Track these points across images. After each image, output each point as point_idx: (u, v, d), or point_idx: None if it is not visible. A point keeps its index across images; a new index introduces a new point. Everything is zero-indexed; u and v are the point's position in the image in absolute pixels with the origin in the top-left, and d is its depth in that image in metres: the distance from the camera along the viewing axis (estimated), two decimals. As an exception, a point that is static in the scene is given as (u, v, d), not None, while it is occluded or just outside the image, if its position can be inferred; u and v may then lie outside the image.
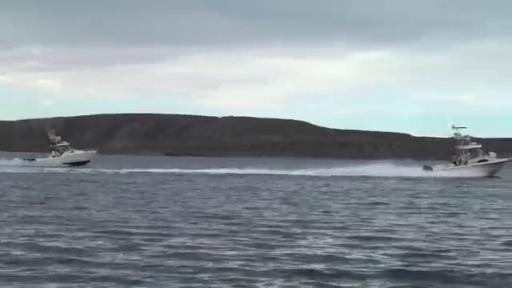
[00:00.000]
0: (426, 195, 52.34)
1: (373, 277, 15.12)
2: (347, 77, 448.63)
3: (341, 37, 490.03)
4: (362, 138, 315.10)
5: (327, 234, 23.23)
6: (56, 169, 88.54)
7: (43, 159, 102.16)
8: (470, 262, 17.34)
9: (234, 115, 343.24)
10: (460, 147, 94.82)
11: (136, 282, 13.82)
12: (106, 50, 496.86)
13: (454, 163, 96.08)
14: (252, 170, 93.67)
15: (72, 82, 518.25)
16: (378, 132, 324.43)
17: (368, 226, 27.10)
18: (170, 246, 19.21)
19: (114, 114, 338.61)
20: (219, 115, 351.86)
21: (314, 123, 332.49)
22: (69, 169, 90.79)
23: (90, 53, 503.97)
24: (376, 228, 25.92)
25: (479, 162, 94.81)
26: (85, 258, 16.74)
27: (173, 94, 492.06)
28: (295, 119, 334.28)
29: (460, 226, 27.16)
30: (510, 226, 27.92)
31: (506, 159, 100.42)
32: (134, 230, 23.12)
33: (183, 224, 26.02)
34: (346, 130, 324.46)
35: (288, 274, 15.28)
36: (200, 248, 19.49)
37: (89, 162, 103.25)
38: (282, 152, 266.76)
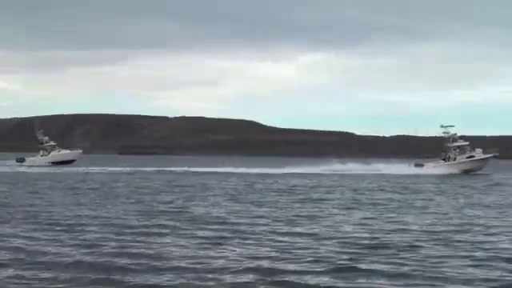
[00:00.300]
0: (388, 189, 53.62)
1: (318, 273, 14.82)
2: (295, 78, 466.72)
3: (289, 40, 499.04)
4: (308, 137, 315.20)
5: (275, 232, 22.47)
6: (42, 168, 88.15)
7: (32, 159, 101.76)
8: (408, 256, 17.14)
9: (186, 115, 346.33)
10: (449, 144, 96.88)
11: (85, 282, 13.36)
12: (59, 52, 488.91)
13: (444, 160, 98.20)
14: (207, 169, 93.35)
15: (27, 84, 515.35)
16: (322, 131, 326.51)
17: (314, 221, 26.72)
18: (120, 246, 18.34)
19: (69, 115, 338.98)
20: (171, 115, 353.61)
21: (262, 123, 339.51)
22: (54, 168, 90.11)
23: (43, 56, 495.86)
24: (322, 224, 25.39)
25: (467, 158, 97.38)
26: (28, 258, 16.16)
27: (126, 96, 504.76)
28: (244, 119, 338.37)
29: (400, 222, 26.83)
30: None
31: (491, 155, 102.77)
32: (84, 228, 22.55)
33: (134, 221, 25.19)
34: (293, 129, 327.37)
35: (235, 271, 15.06)
36: (152, 244, 18.96)
37: (75, 160, 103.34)
38: (231, 151, 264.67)
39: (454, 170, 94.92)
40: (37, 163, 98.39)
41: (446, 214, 31.59)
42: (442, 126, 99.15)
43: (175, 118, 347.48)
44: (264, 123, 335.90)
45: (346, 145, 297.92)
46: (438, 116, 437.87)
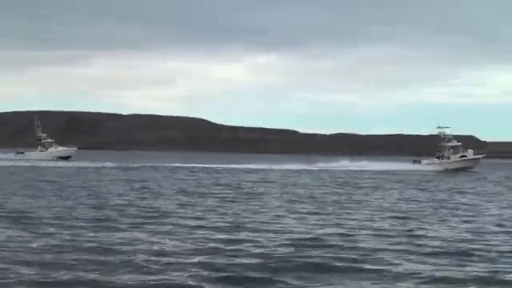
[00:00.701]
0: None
1: (250, 267, 14.25)
2: (242, 79, 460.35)
3: (238, 43, 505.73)
4: (255, 134, 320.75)
5: (217, 227, 21.69)
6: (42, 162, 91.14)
7: (31, 153, 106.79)
8: (347, 252, 16.81)
9: (141, 113, 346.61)
10: (444, 144, 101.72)
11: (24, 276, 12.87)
12: (17, 52, 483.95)
13: (438, 158, 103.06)
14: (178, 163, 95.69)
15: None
16: (268, 129, 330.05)
17: (255, 215, 26.23)
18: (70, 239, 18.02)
19: (28, 112, 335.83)
20: (126, 112, 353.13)
21: (211, 120, 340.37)
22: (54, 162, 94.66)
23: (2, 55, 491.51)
24: (262, 219, 24.68)
25: (460, 157, 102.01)
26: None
27: (84, 94, 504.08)
28: (194, 116, 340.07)
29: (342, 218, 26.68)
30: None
31: (481, 156, 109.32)
32: (29, 221, 22.27)
33: (80, 214, 24.67)
34: (241, 127, 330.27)
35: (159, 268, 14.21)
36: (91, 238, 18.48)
37: (71, 157, 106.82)
38: (183, 147, 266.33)
39: (448, 168, 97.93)
40: (35, 157, 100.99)
41: (381, 207, 31.59)
42: (438, 127, 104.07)
43: (130, 115, 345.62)
44: (213, 121, 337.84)
45: (289, 142, 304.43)
46: (374, 115, 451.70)
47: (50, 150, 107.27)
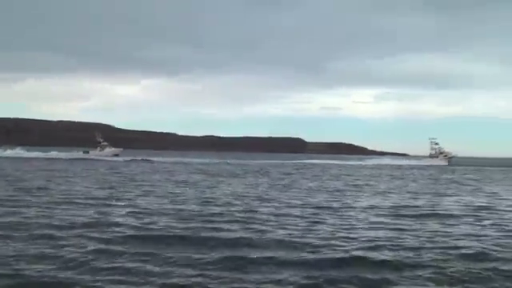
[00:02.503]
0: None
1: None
2: (138, 95, 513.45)
3: (135, 69, 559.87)
4: (143, 135, 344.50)
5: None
6: (103, 158, 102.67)
7: (94, 151, 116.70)
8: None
9: (64, 119, 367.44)
10: (434, 146, 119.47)
11: None
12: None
13: (430, 156, 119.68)
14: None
15: None
16: (155, 132, 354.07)
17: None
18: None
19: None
20: (55, 119, 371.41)
21: (116, 126, 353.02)
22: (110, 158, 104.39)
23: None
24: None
25: (445, 156, 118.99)
26: None
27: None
28: (103, 122, 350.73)
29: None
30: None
31: (453, 155, 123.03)
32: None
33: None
34: (135, 130, 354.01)
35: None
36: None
37: (119, 154, 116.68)
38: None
39: (435, 163, 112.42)
40: (96, 155, 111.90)
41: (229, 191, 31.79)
42: (430, 138, 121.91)
43: (57, 121, 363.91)
44: (117, 126, 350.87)
45: (170, 141, 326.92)
46: (229, 122, 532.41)
47: (106, 150, 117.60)
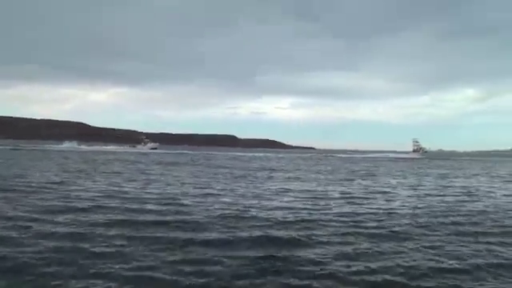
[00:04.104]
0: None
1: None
2: (104, 100, 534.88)
3: (104, 80, 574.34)
4: (113, 132, 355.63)
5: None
6: (144, 151, 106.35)
7: (139, 146, 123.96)
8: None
9: (47, 118, 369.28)
10: (416, 143, 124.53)
11: None
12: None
13: (414, 151, 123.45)
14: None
15: None
16: (120, 129, 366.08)
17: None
18: None
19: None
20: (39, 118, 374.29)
21: (90, 124, 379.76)
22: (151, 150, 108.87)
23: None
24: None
25: (423, 151, 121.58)
26: None
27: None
28: (79, 121, 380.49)
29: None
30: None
31: (426, 149, 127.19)
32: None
33: None
34: (105, 127, 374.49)
35: None
36: None
37: (157, 148, 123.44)
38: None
39: (415, 156, 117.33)
40: (140, 149, 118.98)
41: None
42: (413, 139, 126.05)
43: (40, 119, 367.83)
44: (91, 124, 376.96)
45: (133, 137, 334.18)
46: (180, 122, 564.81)
47: (147, 145, 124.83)
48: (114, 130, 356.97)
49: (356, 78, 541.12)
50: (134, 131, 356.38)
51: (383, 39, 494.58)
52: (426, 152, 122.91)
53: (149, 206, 15.77)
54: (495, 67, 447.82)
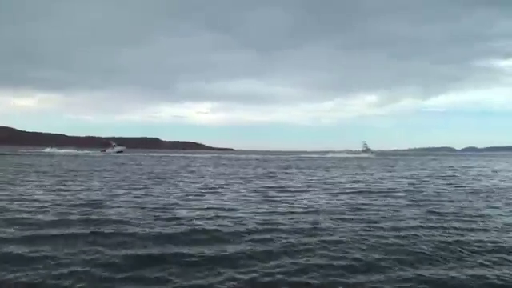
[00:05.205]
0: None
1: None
2: (34, 105, 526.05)
3: (28, 86, 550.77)
4: (40, 137, 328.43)
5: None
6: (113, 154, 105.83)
7: (107, 149, 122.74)
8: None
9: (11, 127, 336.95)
10: (365, 144, 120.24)
11: None
12: None
13: (363, 151, 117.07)
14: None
15: None
16: (46, 133, 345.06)
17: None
18: None
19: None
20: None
21: (17, 128, 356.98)
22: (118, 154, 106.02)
23: None
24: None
25: (370, 151, 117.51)
26: None
27: None
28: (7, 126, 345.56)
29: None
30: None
31: (372, 150, 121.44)
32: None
33: None
34: (32, 132, 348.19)
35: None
36: None
37: (123, 151, 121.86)
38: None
39: (363, 155, 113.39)
40: (108, 151, 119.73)
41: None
42: (363, 141, 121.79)
43: None
44: (18, 128, 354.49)
45: (60, 140, 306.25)
46: (104, 127, 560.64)
47: (115, 148, 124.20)
48: (41, 134, 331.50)
49: (269, 84, 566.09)
50: (61, 135, 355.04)
51: (290, 51, 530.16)
52: (372, 152, 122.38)
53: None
54: (387, 76, 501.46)
